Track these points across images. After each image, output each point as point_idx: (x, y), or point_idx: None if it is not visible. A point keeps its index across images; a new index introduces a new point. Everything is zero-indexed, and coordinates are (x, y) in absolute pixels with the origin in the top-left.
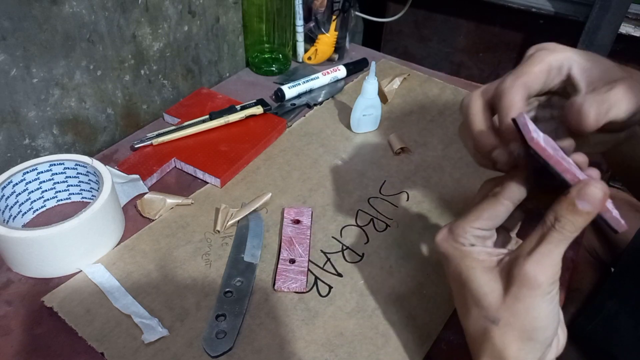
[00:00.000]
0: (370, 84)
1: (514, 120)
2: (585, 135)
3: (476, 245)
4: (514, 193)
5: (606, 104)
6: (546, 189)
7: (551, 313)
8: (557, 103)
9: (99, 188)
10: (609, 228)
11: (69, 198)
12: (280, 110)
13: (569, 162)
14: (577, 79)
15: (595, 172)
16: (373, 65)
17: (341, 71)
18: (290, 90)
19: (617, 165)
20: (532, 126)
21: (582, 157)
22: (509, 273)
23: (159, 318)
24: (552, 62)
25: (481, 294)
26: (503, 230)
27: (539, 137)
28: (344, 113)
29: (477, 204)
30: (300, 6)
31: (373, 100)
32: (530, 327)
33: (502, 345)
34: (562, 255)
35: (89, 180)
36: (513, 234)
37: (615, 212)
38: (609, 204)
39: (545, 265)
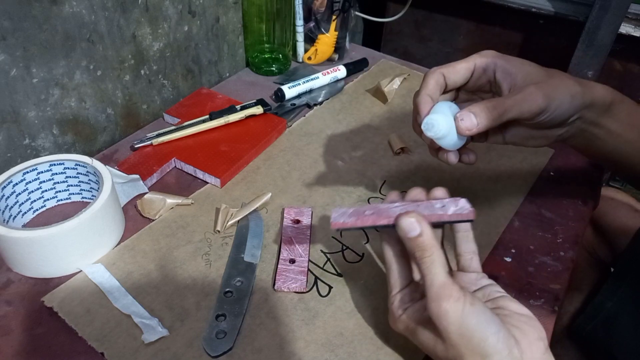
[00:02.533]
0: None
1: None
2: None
3: (408, 308)
4: (389, 251)
5: (499, 109)
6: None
7: (478, 323)
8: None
9: (99, 188)
10: (461, 222)
11: (69, 198)
12: (280, 110)
13: (384, 212)
14: (500, 82)
15: (439, 191)
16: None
17: (341, 71)
18: (290, 90)
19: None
20: (335, 214)
21: (416, 191)
22: (429, 319)
23: (159, 318)
24: (477, 63)
25: (432, 349)
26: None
27: (338, 217)
28: (344, 113)
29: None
30: (300, 6)
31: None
32: (473, 346)
33: None
34: (443, 274)
35: (89, 180)
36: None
37: (456, 209)
38: (441, 211)
39: (436, 294)
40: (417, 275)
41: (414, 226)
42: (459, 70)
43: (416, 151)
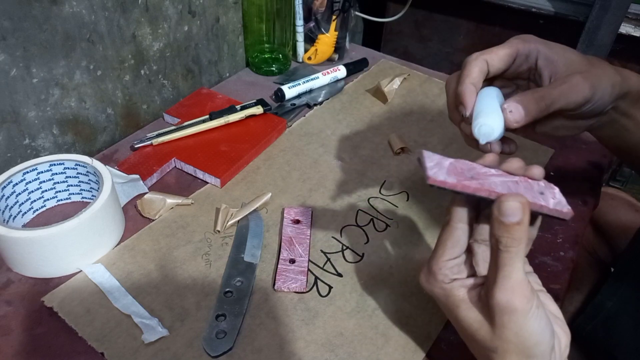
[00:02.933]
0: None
1: (418, 159)
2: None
3: (456, 280)
4: (461, 214)
5: (547, 100)
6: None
7: (539, 328)
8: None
9: (99, 188)
10: (556, 219)
11: (69, 198)
12: (280, 110)
13: (483, 179)
14: (541, 69)
15: (537, 170)
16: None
17: (341, 71)
18: (290, 90)
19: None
20: (430, 162)
21: (517, 163)
22: (487, 305)
23: (159, 318)
24: (520, 49)
25: (472, 330)
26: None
27: (438, 172)
28: (344, 113)
29: (439, 238)
30: (300, 6)
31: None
32: (524, 347)
33: None
34: (522, 270)
35: (89, 180)
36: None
37: (555, 202)
38: (542, 200)
39: (511, 288)
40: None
41: (517, 212)
42: (501, 57)
43: (416, 151)
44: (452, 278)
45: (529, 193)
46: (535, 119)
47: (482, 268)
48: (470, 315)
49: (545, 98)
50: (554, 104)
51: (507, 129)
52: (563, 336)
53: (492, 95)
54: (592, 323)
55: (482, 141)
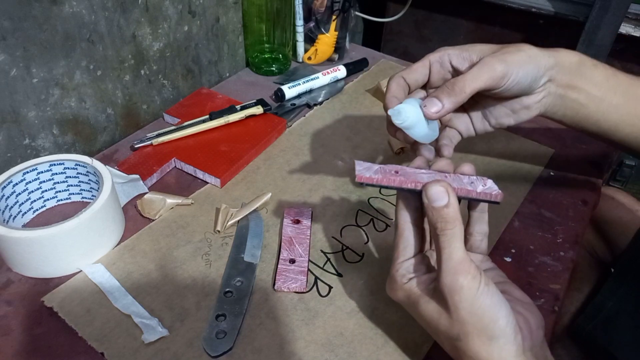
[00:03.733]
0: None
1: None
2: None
3: (412, 278)
4: (404, 216)
5: (459, 84)
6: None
7: (491, 303)
8: None
9: (99, 188)
10: (488, 203)
11: (69, 198)
12: (280, 110)
13: (410, 176)
14: (458, 67)
15: (467, 167)
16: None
17: (341, 71)
18: (290, 90)
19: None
20: (359, 166)
21: (444, 162)
22: (439, 292)
23: (159, 318)
24: (430, 59)
25: (435, 322)
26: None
27: (365, 172)
28: (344, 113)
29: (393, 244)
30: (300, 6)
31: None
32: (482, 326)
33: (474, 354)
34: (462, 250)
35: (89, 180)
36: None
37: (485, 188)
38: (470, 186)
39: (453, 268)
40: (427, 247)
41: (442, 195)
42: (415, 69)
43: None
44: (409, 277)
45: (457, 182)
46: (456, 104)
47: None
48: (429, 308)
49: (456, 84)
50: (467, 86)
51: (429, 118)
52: (533, 319)
53: (412, 99)
54: (592, 323)
55: (395, 121)
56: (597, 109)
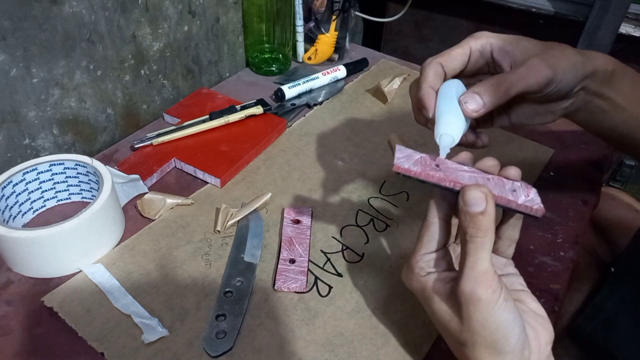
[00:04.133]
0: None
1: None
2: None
3: (431, 273)
4: (436, 211)
5: (504, 84)
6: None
7: (506, 320)
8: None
9: (99, 188)
10: (526, 217)
11: (69, 198)
12: (280, 110)
13: (451, 172)
14: (499, 61)
15: (513, 170)
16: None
17: (341, 71)
18: (290, 90)
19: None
20: (400, 154)
21: (491, 161)
22: (455, 296)
23: (159, 318)
24: (472, 46)
25: (445, 322)
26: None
27: (404, 162)
28: (344, 113)
29: (418, 234)
30: (300, 6)
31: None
32: (492, 340)
33: None
34: (488, 261)
35: (89, 180)
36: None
37: (526, 199)
38: (512, 195)
39: (475, 278)
40: (451, 243)
41: (480, 202)
42: (455, 57)
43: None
44: (427, 271)
45: (498, 188)
46: (496, 105)
47: (458, 265)
48: (443, 308)
49: (502, 83)
50: (512, 88)
51: (468, 116)
52: (544, 334)
53: (451, 92)
54: (592, 323)
55: (443, 152)
56: (617, 116)
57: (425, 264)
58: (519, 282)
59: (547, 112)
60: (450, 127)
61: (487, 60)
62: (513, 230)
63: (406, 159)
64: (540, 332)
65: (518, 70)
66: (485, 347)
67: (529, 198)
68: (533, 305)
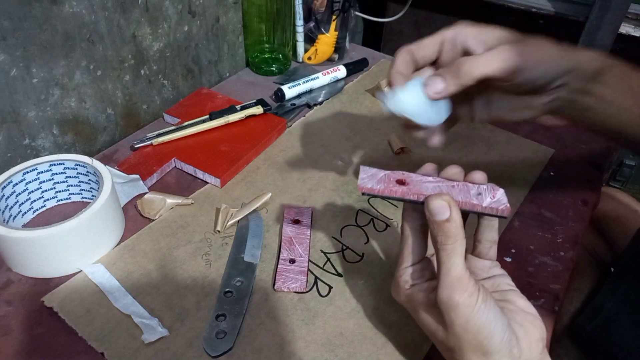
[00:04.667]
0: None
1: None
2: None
3: (415, 285)
4: (409, 223)
5: (467, 66)
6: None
7: (487, 321)
8: None
9: (99, 188)
10: (495, 217)
11: (69, 198)
12: (280, 110)
13: (415, 185)
14: (474, 50)
15: (478, 174)
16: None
17: (341, 71)
18: (290, 90)
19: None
20: (364, 174)
21: (454, 169)
22: (435, 304)
23: (159, 318)
24: (445, 35)
25: (433, 331)
26: None
27: (368, 181)
28: (344, 113)
29: (399, 249)
30: (300, 6)
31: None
32: (477, 342)
33: None
34: (461, 266)
35: (89, 180)
36: None
37: (492, 201)
38: (476, 199)
39: (451, 284)
40: (430, 253)
41: (443, 210)
42: (426, 45)
43: (416, 151)
44: (411, 284)
45: (462, 194)
46: (460, 87)
47: None
48: (428, 318)
49: (464, 65)
50: (475, 71)
51: (431, 98)
52: (534, 331)
53: (417, 80)
54: (592, 323)
55: (391, 108)
56: (605, 111)
57: (409, 277)
58: (505, 282)
59: (526, 107)
60: (402, 92)
61: (463, 49)
62: (490, 232)
63: (369, 179)
64: (529, 329)
65: (485, 54)
66: (472, 350)
67: (494, 199)
68: (521, 303)
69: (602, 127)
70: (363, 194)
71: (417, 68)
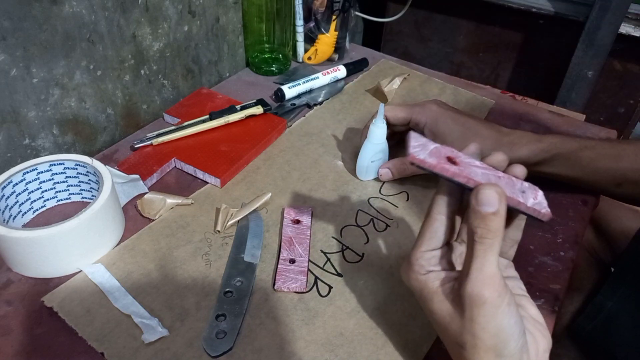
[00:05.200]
0: (378, 128)
1: (405, 139)
2: None
3: (432, 272)
4: (441, 206)
5: (405, 168)
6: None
7: (508, 325)
8: None
9: (99, 188)
10: (533, 219)
11: (69, 198)
12: (280, 110)
13: (465, 167)
14: (427, 136)
15: (519, 169)
16: (381, 108)
17: (341, 71)
18: (290, 90)
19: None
20: (415, 142)
21: (500, 156)
22: (459, 297)
23: (159, 318)
24: (413, 117)
25: (445, 323)
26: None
27: (420, 152)
28: (344, 113)
29: (420, 230)
30: (300, 6)
31: (382, 145)
32: (492, 344)
33: None
34: (496, 264)
35: (89, 180)
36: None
37: (535, 202)
38: (522, 197)
39: (482, 280)
40: (453, 241)
41: (494, 201)
42: (398, 116)
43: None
44: (428, 270)
45: (509, 188)
46: (401, 177)
47: (459, 265)
48: (443, 308)
49: (405, 164)
50: (412, 173)
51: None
52: (542, 340)
53: (375, 148)
54: (592, 323)
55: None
56: (564, 178)
57: (426, 262)
58: (519, 287)
59: None
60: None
61: (421, 130)
62: (517, 231)
63: (422, 149)
64: (538, 338)
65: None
66: (485, 350)
67: (536, 201)
68: (533, 311)
69: (571, 182)
70: (412, 163)
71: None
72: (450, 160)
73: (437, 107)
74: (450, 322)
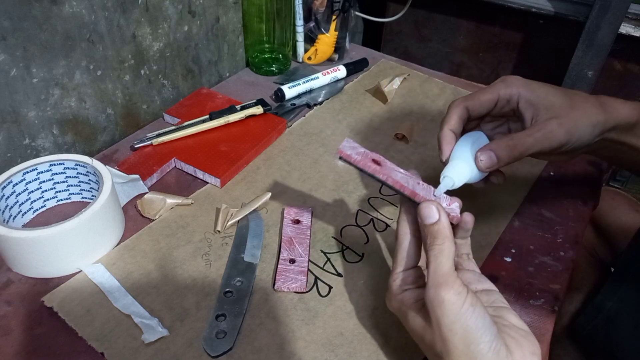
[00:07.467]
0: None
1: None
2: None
3: (407, 290)
4: (404, 227)
5: (520, 147)
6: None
7: (475, 326)
8: (512, 126)
9: (99, 188)
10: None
11: (69, 198)
12: (280, 110)
13: (386, 169)
14: (523, 112)
15: (469, 217)
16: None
17: (341, 71)
18: (290, 90)
19: (617, 167)
20: (347, 144)
21: (469, 217)
22: (425, 306)
23: (159, 318)
24: (501, 94)
25: (420, 335)
26: None
27: (348, 150)
28: (344, 113)
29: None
30: (300, 6)
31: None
32: (463, 346)
33: None
34: (449, 265)
35: (89, 180)
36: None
37: (447, 207)
38: (437, 199)
39: (437, 282)
40: (423, 263)
41: (434, 214)
42: (483, 102)
43: (416, 151)
44: (404, 288)
45: (424, 192)
46: (509, 163)
47: None
48: (417, 321)
49: (518, 146)
50: (527, 151)
51: (481, 171)
52: (528, 345)
53: (469, 142)
54: (592, 323)
55: (439, 190)
56: (637, 157)
57: (402, 282)
58: (499, 300)
59: (559, 160)
60: (456, 173)
61: (512, 108)
62: (464, 247)
63: (350, 148)
64: (523, 343)
65: (535, 134)
66: (459, 355)
67: (449, 207)
68: (514, 320)
69: (633, 167)
70: (340, 158)
71: (469, 120)
72: (375, 162)
73: (520, 77)
74: (424, 332)
